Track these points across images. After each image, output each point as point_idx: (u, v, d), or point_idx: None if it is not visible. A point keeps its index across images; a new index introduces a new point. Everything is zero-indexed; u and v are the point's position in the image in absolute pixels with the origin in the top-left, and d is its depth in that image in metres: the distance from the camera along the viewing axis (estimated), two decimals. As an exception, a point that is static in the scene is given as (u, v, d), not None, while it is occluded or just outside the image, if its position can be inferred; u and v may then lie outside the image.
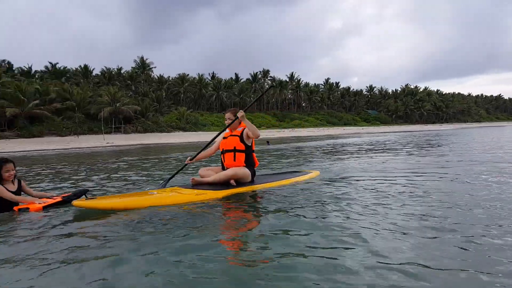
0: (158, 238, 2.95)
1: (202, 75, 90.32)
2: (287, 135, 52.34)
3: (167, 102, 76.10)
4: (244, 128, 4.95)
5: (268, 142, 23.11)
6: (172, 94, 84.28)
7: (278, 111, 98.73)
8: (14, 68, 70.73)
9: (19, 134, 46.37)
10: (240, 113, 4.80)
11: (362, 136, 39.15)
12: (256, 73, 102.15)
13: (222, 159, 5.07)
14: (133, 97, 65.91)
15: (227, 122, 5.13)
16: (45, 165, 12.65)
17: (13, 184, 4.35)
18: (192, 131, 63.55)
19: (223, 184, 4.81)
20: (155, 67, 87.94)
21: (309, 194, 4.61)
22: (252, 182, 5.00)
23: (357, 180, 5.89)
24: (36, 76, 70.76)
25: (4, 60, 70.41)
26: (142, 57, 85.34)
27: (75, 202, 3.87)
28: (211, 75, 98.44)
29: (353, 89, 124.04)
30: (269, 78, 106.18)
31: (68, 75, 74.61)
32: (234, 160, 4.93)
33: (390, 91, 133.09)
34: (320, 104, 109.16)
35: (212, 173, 5.00)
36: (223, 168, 5.06)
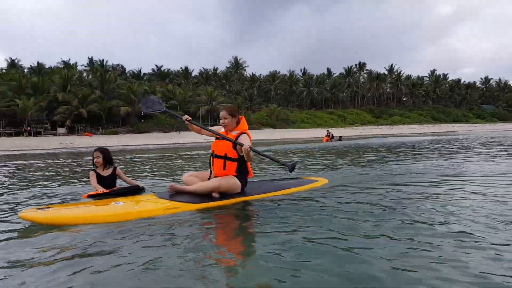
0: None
1: (293, 71, 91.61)
2: (385, 132, 50.00)
3: (258, 100, 79.02)
4: (241, 134, 4.35)
5: (340, 137, 24.26)
6: (263, 92, 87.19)
7: (375, 106, 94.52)
8: (126, 72, 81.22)
9: (131, 130, 53.23)
10: (246, 147, 4.01)
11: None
12: (351, 66, 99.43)
13: (211, 163, 4.48)
14: (227, 96, 70.12)
15: (221, 122, 4.48)
16: (139, 157, 14.60)
17: (107, 170, 4.94)
18: (281, 128, 65.01)
19: (206, 195, 4.22)
20: (247, 66, 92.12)
21: (311, 208, 3.93)
22: (242, 193, 4.41)
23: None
24: (145, 78, 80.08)
25: (118, 65, 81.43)
26: (236, 57, 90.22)
27: (20, 215, 3.52)
28: (302, 71, 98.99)
29: (464, 81, 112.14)
30: (365, 71, 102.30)
31: (171, 77, 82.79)
32: (224, 168, 4.33)
33: (511, 83, 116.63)
34: (424, 99, 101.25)
35: (196, 181, 4.44)
36: (211, 173, 4.51)
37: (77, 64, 74.19)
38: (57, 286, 2.14)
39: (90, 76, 65.12)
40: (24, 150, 27.82)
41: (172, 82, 76.81)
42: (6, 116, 50.89)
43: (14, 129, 48.73)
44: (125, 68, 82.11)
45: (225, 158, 4.33)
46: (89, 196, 4.39)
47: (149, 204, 3.90)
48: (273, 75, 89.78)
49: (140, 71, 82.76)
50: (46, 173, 9.31)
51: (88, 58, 76.67)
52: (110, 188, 4.67)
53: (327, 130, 29.48)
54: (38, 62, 68.76)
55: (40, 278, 2.25)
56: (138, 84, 63.43)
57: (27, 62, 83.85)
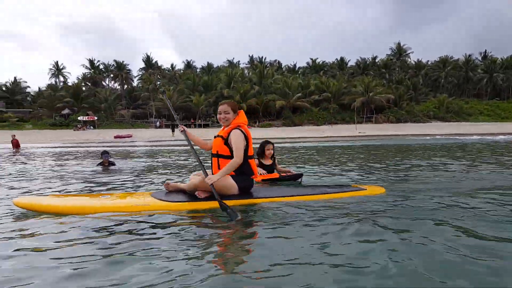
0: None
1: (469, 55, 78.94)
2: None
3: (424, 89, 71.32)
4: (233, 129, 4.02)
5: None
6: (430, 80, 78.22)
7: None
8: (282, 66, 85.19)
9: (284, 123, 55.59)
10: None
11: None
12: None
13: (211, 163, 4.23)
14: (386, 86, 65.69)
15: (222, 117, 4.13)
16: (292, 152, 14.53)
17: (269, 160, 5.90)
18: (453, 121, 56.95)
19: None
20: (412, 52, 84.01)
21: (313, 219, 3.30)
22: (242, 195, 4.01)
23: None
24: (299, 72, 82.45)
25: (275, 60, 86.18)
26: (398, 43, 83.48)
27: (14, 201, 3.88)
28: (482, 55, 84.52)
29: None
30: None
31: (325, 69, 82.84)
32: (218, 167, 4.01)
33: None
34: None
35: (227, 181, 4.06)
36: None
37: (240, 62, 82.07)
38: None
39: (250, 73, 70.94)
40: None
41: (326, 74, 76.71)
42: (183, 110, 60.23)
43: (188, 121, 57.03)
44: (281, 64, 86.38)
45: (218, 156, 4.06)
46: (263, 180, 5.40)
47: (132, 200, 3.85)
48: (444, 61, 79.41)
49: (295, 65, 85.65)
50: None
51: (249, 56, 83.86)
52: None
53: None
54: (208, 63, 79.10)
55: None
56: (293, 78, 65.70)
57: (199, 63, 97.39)
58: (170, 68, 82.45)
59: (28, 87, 76.12)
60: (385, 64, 79.04)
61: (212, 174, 3.98)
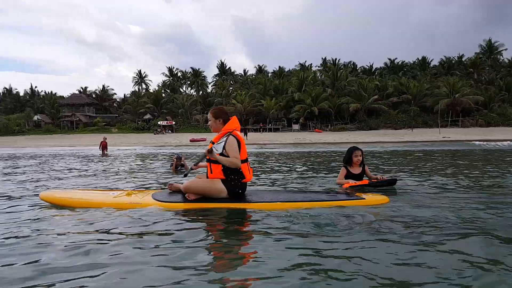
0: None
1: None
2: None
3: (522, 90, 63.76)
4: (225, 135, 4.18)
5: None
6: (529, 79, 69.67)
7: None
8: (357, 68, 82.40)
9: (358, 127, 53.56)
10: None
11: None
12: None
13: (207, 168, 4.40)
14: (474, 87, 60.00)
15: (208, 124, 4.50)
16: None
17: (358, 168, 5.45)
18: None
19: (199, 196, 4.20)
20: (505, 49, 75.60)
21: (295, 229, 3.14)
22: (233, 199, 4.10)
23: None
24: (376, 73, 79.00)
25: (350, 62, 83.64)
26: (489, 40, 75.75)
27: (41, 194, 4.49)
28: None
29: None
30: None
31: (405, 69, 78.24)
32: (211, 172, 4.17)
33: None
34: None
35: (214, 184, 4.21)
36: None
37: (312, 65, 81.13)
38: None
39: (323, 76, 69.76)
40: (266, 141, 32.61)
41: (406, 75, 72.45)
42: (253, 114, 61.27)
43: (262, 125, 57.82)
44: (356, 65, 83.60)
45: (210, 161, 4.17)
46: (351, 186, 5.00)
47: (130, 198, 4.22)
48: (546, 57, 70.35)
49: (371, 66, 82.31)
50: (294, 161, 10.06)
51: (322, 58, 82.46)
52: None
53: None
54: (279, 67, 79.33)
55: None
56: (369, 79, 63.15)
57: (271, 67, 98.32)
58: (243, 73, 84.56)
59: (115, 94, 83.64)
60: (473, 63, 72.07)
61: (207, 178, 4.23)
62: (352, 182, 5.07)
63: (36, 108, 76.04)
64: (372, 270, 2.19)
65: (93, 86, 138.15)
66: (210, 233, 3.11)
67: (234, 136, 4.14)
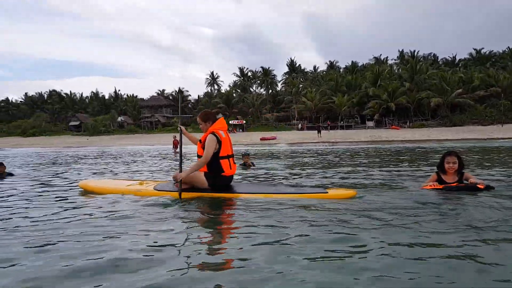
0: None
1: None
2: None
3: None
4: (209, 134, 4.86)
5: None
6: None
7: None
8: (439, 60, 77.08)
9: (440, 123, 50.12)
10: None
11: None
12: None
13: None
14: None
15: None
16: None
17: (453, 177, 4.64)
18: None
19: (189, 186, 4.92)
20: None
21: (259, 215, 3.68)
22: (210, 190, 4.84)
23: None
24: (460, 65, 73.20)
25: (430, 53, 78.55)
26: None
27: (79, 183, 5.94)
28: None
29: None
30: None
31: (493, 60, 71.43)
32: None
33: None
34: None
35: (196, 176, 4.99)
36: None
37: (388, 58, 77.66)
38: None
39: (400, 69, 66.40)
40: (338, 139, 32.12)
41: (494, 66, 66.07)
42: (324, 112, 60.48)
43: (331, 123, 56.92)
44: (437, 57, 78.28)
45: (198, 156, 4.92)
46: (434, 188, 4.58)
47: (138, 187, 5.24)
48: None
49: (454, 57, 76.42)
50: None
51: (398, 51, 78.43)
52: None
53: None
54: (352, 62, 77.24)
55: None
56: (451, 72, 58.79)
57: (343, 62, 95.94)
58: (313, 70, 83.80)
59: (189, 95, 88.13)
60: None
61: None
62: (433, 185, 4.60)
63: (119, 110, 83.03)
64: (328, 260, 2.38)
65: (168, 87, 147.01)
66: (182, 215, 3.84)
67: (215, 134, 4.80)
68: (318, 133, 40.77)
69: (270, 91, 79.01)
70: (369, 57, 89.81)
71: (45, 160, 15.76)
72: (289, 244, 2.69)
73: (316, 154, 14.51)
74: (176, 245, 2.77)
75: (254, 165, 9.33)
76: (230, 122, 61.78)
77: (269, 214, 3.67)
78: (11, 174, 8.24)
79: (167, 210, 4.03)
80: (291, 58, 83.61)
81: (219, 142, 4.76)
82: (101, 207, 4.24)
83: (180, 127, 5.23)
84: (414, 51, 72.26)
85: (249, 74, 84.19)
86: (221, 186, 4.86)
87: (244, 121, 63.35)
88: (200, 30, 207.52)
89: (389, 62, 76.20)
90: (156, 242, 2.83)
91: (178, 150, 20.85)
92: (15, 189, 6.05)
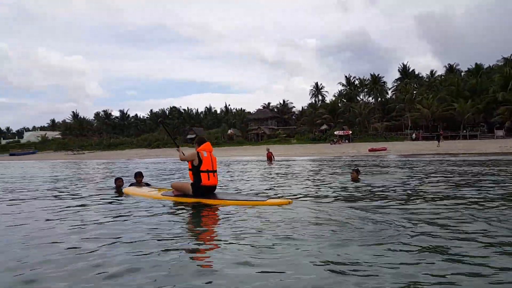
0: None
1: None
2: None
3: None
4: (195, 151, 6.72)
5: None
6: None
7: None
8: None
9: None
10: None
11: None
12: None
13: None
14: None
15: None
16: None
17: None
18: None
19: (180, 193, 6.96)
20: None
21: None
22: (193, 195, 6.56)
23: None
24: None
25: None
26: None
27: (124, 189, 8.21)
28: None
29: None
30: None
31: None
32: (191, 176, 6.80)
33: None
34: None
35: (184, 185, 6.96)
36: None
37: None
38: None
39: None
40: (460, 150, 28.26)
41: None
42: (443, 120, 54.64)
43: (450, 132, 51.20)
44: None
45: (188, 169, 6.73)
46: None
47: (154, 193, 7.35)
48: None
49: None
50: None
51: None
52: None
53: None
54: (476, 64, 68.54)
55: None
56: None
57: (464, 65, 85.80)
58: (430, 75, 76.90)
59: (294, 107, 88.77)
60: None
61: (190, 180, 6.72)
62: None
63: (229, 124, 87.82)
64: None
65: (274, 100, 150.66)
66: (170, 213, 5.65)
67: (198, 153, 6.54)
68: (438, 142, 37.14)
69: (380, 99, 74.88)
70: (497, 58, 78.47)
71: (165, 171, 17.30)
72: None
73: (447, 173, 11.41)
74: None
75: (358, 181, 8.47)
76: (335, 132, 60.04)
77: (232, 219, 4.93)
78: (147, 184, 8.44)
79: (162, 210, 5.89)
80: (403, 63, 77.99)
81: (199, 159, 6.46)
82: (126, 206, 6.26)
83: (178, 148, 7.29)
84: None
85: (356, 82, 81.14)
86: (202, 193, 6.47)
87: (350, 132, 60.94)
88: (305, 42, 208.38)
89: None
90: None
91: (272, 162, 20.94)
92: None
